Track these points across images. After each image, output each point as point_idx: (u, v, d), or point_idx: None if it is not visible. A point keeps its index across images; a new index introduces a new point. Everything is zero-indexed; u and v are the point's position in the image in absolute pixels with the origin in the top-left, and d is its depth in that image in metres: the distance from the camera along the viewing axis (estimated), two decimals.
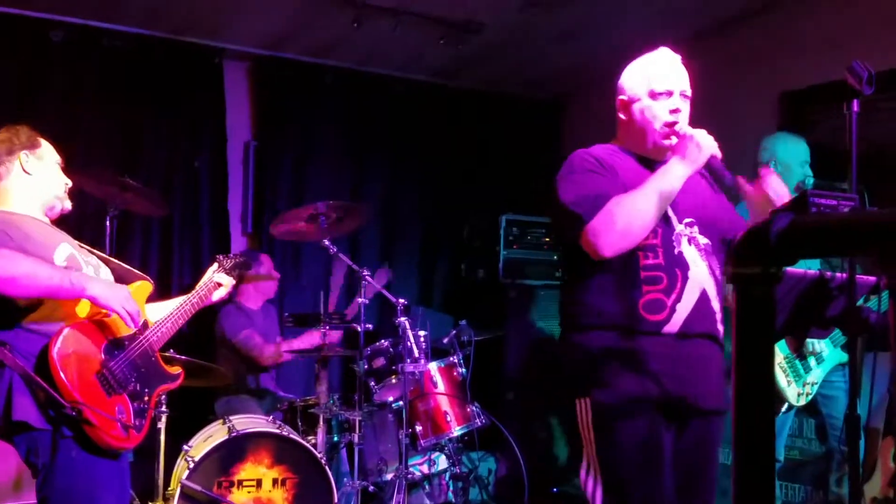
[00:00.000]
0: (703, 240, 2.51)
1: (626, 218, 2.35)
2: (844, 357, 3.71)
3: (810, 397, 3.69)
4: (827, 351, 3.72)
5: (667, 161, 2.46)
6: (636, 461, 2.40)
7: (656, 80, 2.52)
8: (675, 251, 2.45)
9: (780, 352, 3.63)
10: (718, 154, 2.46)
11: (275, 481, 3.84)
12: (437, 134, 6.35)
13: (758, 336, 1.42)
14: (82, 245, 2.90)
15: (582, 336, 2.50)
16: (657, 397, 2.40)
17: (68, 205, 2.92)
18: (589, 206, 2.39)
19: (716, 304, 2.48)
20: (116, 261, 3.00)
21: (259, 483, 3.80)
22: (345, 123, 6.07)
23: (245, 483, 3.78)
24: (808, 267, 2.04)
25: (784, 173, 3.91)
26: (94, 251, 2.94)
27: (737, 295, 1.40)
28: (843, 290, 2.22)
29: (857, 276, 2.18)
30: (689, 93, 2.56)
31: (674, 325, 2.41)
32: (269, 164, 5.83)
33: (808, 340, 3.67)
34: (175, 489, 3.68)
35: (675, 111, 2.51)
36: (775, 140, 4.02)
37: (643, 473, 2.40)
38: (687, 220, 2.51)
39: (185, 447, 3.90)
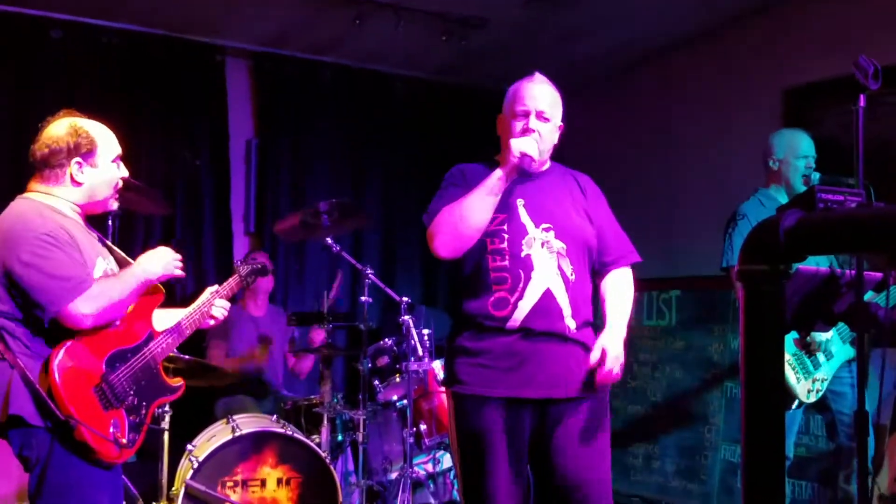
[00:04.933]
0: (557, 244, 2.76)
1: (453, 221, 2.69)
2: (853, 352, 3.69)
3: (820, 394, 3.67)
4: (835, 346, 3.70)
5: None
6: (477, 450, 2.71)
7: (516, 102, 2.83)
8: (522, 254, 2.72)
9: (788, 350, 3.60)
10: (528, 154, 2.68)
11: (279, 481, 3.83)
12: (440, 132, 6.33)
13: (766, 333, 1.40)
14: (104, 241, 2.86)
15: (451, 332, 2.87)
16: (501, 392, 2.69)
17: (113, 206, 2.86)
18: (433, 214, 2.78)
19: (562, 301, 2.71)
20: (133, 263, 2.95)
21: (263, 483, 3.79)
22: (346, 121, 6.05)
23: (249, 483, 3.77)
24: (816, 263, 2.02)
25: (785, 169, 3.90)
26: (115, 250, 2.89)
27: (744, 292, 1.39)
28: (851, 287, 2.20)
29: (865, 272, 2.17)
30: (548, 115, 2.81)
31: (514, 321, 2.69)
32: (270, 162, 5.81)
33: (814, 335, 3.65)
34: (179, 489, 3.67)
35: (524, 130, 2.77)
36: (776, 137, 4.00)
37: (481, 461, 2.70)
38: (544, 225, 2.76)
39: (189, 447, 3.89)
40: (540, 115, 2.80)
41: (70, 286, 2.51)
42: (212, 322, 3.06)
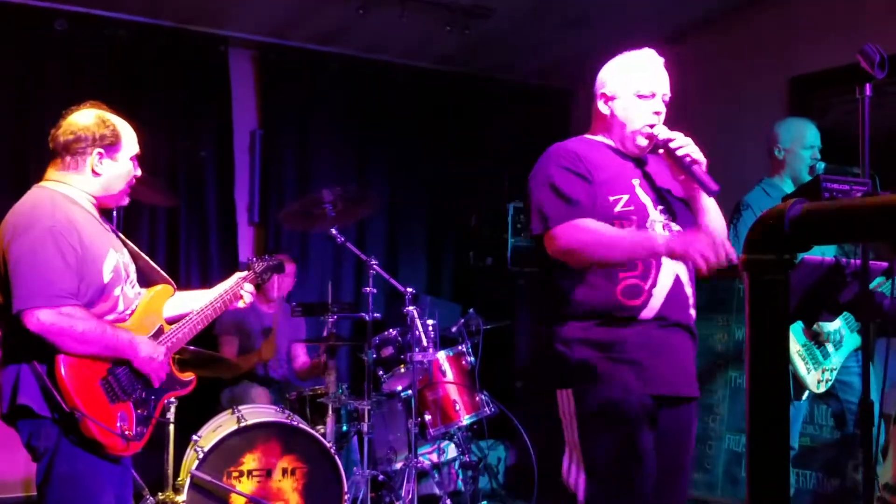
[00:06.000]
0: (675, 226, 2.57)
1: (592, 248, 2.41)
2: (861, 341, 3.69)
3: (830, 383, 3.67)
4: (844, 336, 3.69)
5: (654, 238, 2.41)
6: (619, 452, 2.45)
7: (642, 82, 2.59)
8: None
9: (797, 341, 3.60)
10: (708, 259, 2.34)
11: (284, 471, 3.83)
12: (445, 121, 6.32)
13: (771, 324, 1.39)
14: (117, 233, 2.85)
15: (563, 326, 2.54)
16: (637, 387, 2.45)
17: (124, 202, 2.86)
18: (559, 210, 2.47)
19: (689, 290, 2.55)
20: (146, 257, 2.95)
21: (269, 473, 3.80)
22: (350, 111, 6.05)
23: (255, 473, 3.78)
24: (822, 252, 2.03)
25: (791, 159, 3.88)
26: (128, 243, 2.88)
27: (749, 281, 1.38)
28: (857, 276, 2.20)
29: (871, 262, 2.16)
30: (668, 97, 2.63)
31: (650, 310, 2.47)
32: (275, 153, 5.81)
33: (823, 326, 3.65)
34: (185, 479, 3.68)
35: (657, 113, 2.59)
36: (783, 126, 3.98)
37: (626, 464, 2.45)
38: (660, 206, 2.57)
39: (195, 437, 3.90)
40: (664, 98, 2.62)
41: (46, 291, 2.47)
42: (240, 304, 3.06)
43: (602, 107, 2.66)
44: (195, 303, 2.96)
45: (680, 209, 2.63)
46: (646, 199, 2.55)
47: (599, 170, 2.55)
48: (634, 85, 2.59)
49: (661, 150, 2.59)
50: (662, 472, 2.51)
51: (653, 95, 2.58)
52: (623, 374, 2.45)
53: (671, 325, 2.50)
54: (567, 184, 2.50)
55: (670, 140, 2.54)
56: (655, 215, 2.55)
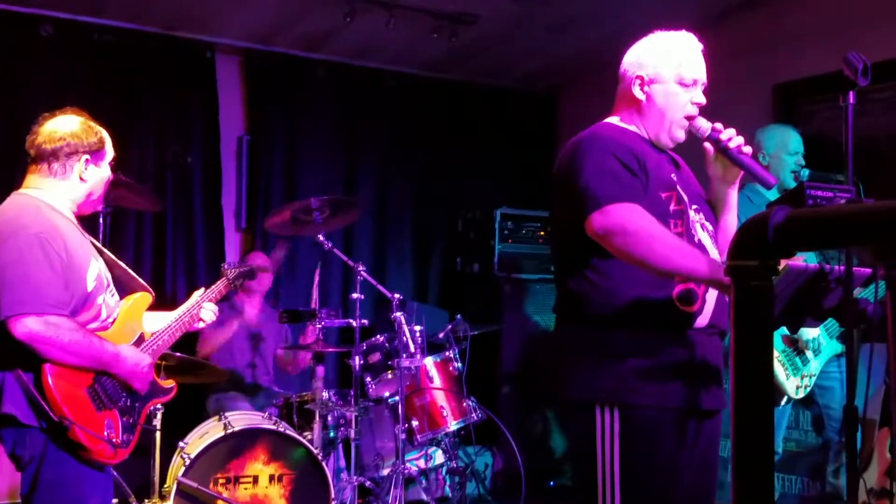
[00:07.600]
0: (709, 226, 2.42)
1: (647, 239, 2.15)
2: (840, 348, 3.73)
3: (808, 389, 3.70)
4: (823, 343, 3.73)
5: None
6: (667, 476, 2.28)
7: (687, 67, 2.37)
8: (696, 239, 2.33)
9: (777, 347, 3.63)
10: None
11: (271, 477, 3.82)
12: (431, 127, 6.33)
13: (756, 329, 1.41)
14: (94, 242, 2.84)
15: (605, 331, 2.28)
16: (690, 402, 2.28)
17: (100, 207, 2.91)
18: (614, 190, 2.20)
19: (726, 297, 2.28)
20: (123, 265, 2.94)
21: (255, 479, 3.79)
22: (338, 117, 6.05)
23: (241, 479, 3.77)
24: (804, 258, 2.06)
25: (775, 165, 3.92)
26: (104, 251, 2.88)
27: (734, 287, 1.40)
28: (841, 282, 2.21)
29: (854, 268, 2.18)
30: (706, 87, 2.45)
31: (705, 316, 2.29)
32: (262, 159, 5.81)
33: (803, 332, 3.68)
34: (171, 486, 3.66)
35: (698, 104, 2.40)
36: (766, 132, 4.01)
37: (671, 486, 2.29)
38: (694, 206, 2.39)
39: (181, 444, 3.89)
40: (704, 87, 2.42)
41: (34, 299, 2.45)
42: (200, 325, 3.07)
43: (637, 91, 2.41)
44: (155, 324, 2.95)
45: (709, 209, 2.48)
46: (686, 198, 2.36)
47: (649, 164, 2.32)
48: (678, 69, 2.37)
49: (706, 144, 2.39)
50: (700, 485, 2.39)
51: (695, 83, 2.38)
52: (679, 388, 2.25)
53: (717, 334, 2.32)
54: (621, 171, 2.25)
55: (719, 132, 2.35)
56: (693, 214, 2.36)
